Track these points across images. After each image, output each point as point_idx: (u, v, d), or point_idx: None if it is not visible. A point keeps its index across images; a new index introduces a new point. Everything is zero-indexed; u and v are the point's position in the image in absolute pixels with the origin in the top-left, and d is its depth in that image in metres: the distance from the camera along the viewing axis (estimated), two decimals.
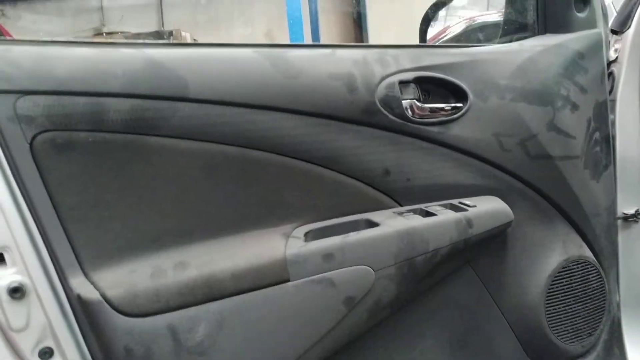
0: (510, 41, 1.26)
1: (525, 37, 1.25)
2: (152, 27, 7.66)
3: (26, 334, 0.87)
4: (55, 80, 0.88)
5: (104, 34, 7.12)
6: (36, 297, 0.87)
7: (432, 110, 1.09)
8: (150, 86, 0.92)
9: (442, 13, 1.96)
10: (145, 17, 7.96)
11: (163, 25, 7.77)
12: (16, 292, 0.85)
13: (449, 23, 1.97)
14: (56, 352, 0.89)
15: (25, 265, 0.86)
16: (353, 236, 0.97)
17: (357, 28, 8.54)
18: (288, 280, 0.93)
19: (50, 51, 0.91)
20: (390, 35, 7.43)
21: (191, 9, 8.31)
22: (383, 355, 1.11)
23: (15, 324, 0.86)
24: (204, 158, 0.96)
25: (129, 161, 0.92)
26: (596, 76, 1.20)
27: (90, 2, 7.94)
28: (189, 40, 6.41)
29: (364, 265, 0.96)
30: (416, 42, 1.92)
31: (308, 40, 6.54)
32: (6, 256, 0.85)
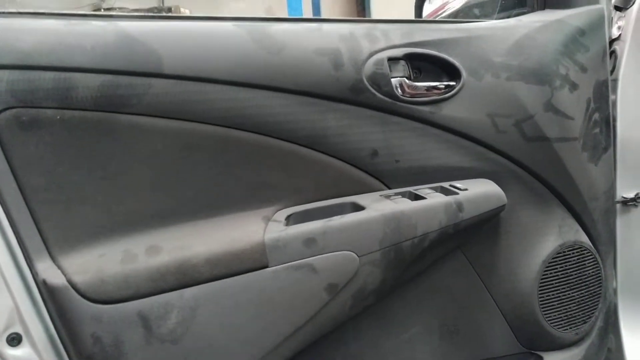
0: (509, 17, 1.20)
1: (524, 13, 1.19)
2: (151, 3, 7.55)
3: None
4: (20, 54, 0.83)
5: (102, 10, 7.02)
6: (2, 282, 0.83)
7: (423, 88, 1.04)
8: (121, 61, 0.87)
9: None
10: None
11: (163, 2, 7.66)
12: None
13: None
14: (24, 338, 0.86)
15: None
16: (336, 220, 0.93)
17: (359, 5, 8.41)
18: (267, 266, 0.89)
19: (14, 23, 0.86)
20: (394, 13, 7.31)
21: None
22: (369, 342, 1.07)
23: None
24: (179, 137, 0.91)
25: (99, 140, 0.88)
26: (597, 54, 1.14)
27: None
28: None
29: (348, 250, 0.92)
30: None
31: (309, 16, 6.44)
32: None
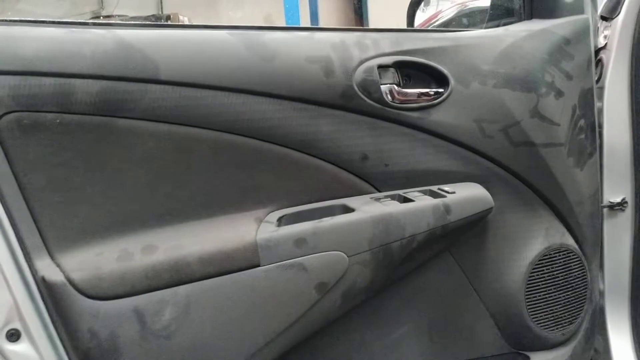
0: (497, 26, 1.23)
1: (511, 22, 1.23)
2: (150, 11, 7.60)
3: None
4: (22, 60, 0.86)
5: (102, 17, 7.07)
6: (2, 279, 0.86)
7: (413, 95, 1.07)
8: (119, 67, 0.90)
9: None
10: (144, 0, 7.89)
11: (162, 9, 7.71)
12: None
13: (441, 7, 1.94)
14: (23, 334, 0.88)
15: None
16: (326, 221, 0.96)
17: (357, 13, 8.48)
18: (258, 265, 0.92)
19: (16, 31, 0.89)
20: (391, 22, 7.36)
21: None
22: (358, 341, 1.10)
23: None
24: (175, 141, 0.94)
25: (97, 143, 0.91)
26: (582, 63, 1.17)
27: None
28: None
29: (338, 250, 0.95)
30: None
31: (306, 24, 6.50)
32: None
